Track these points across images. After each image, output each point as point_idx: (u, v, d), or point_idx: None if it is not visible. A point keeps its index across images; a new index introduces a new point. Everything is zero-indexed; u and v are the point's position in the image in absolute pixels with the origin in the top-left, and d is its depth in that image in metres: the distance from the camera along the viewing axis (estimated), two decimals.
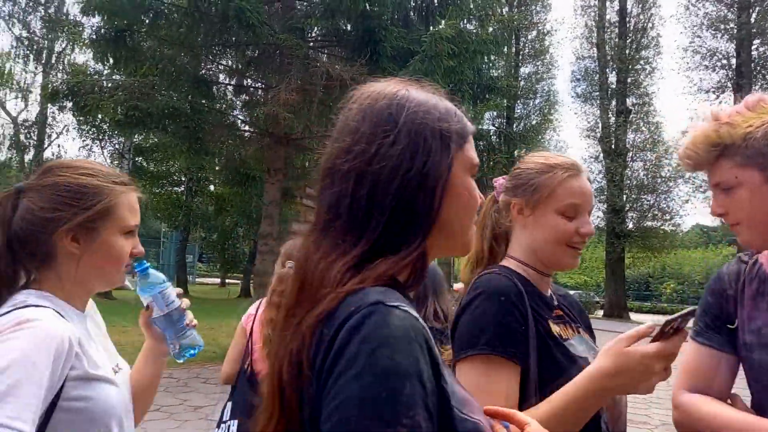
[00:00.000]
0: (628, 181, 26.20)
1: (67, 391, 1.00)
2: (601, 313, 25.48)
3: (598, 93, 27.60)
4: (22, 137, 27.21)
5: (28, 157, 27.00)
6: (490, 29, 10.66)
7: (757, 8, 22.65)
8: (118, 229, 1.16)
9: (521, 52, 28.42)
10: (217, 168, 16.69)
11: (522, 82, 27.30)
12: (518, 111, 27.89)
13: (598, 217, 25.92)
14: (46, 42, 25.99)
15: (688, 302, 30.97)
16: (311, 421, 0.64)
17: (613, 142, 26.31)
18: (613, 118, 26.86)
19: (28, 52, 26.50)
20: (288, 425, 0.68)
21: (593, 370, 1.05)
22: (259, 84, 11.14)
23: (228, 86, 11.77)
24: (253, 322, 2.53)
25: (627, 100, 26.80)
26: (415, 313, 0.65)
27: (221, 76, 11.57)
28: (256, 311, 2.56)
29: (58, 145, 29.65)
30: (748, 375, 1.28)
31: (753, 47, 22.83)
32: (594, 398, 1.05)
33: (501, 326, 1.16)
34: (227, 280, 33.49)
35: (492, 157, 15.76)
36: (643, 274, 36.99)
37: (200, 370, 8.24)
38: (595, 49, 27.79)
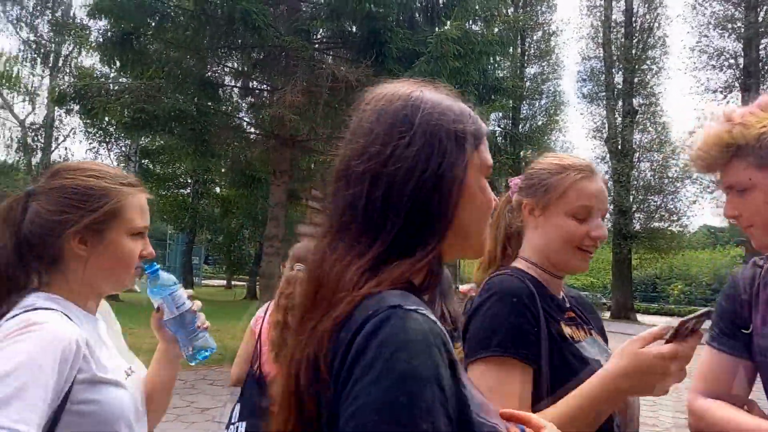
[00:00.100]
0: (635, 182, 26.07)
1: (75, 394, 0.99)
2: (608, 314, 25.32)
3: (604, 93, 27.48)
4: (29, 140, 27.35)
5: (35, 159, 27.14)
6: (496, 30, 10.65)
7: (765, 7, 22.49)
8: (126, 231, 1.16)
9: (527, 53, 28.38)
10: (223, 170, 16.77)
11: (528, 83, 27.26)
12: (524, 112, 27.85)
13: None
14: (53, 45, 26.16)
15: (695, 303, 30.77)
16: (329, 425, 0.63)
17: (620, 142, 26.19)
18: (620, 119, 26.74)
19: (35, 55, 26.67)
20: (304, 429, 0.68)
21: (607, 372, 1.04)
22: (265, 86, 11.16)
23: (234, 88, 11.81)
24: (262, 325, 2.53)
25: (633, 100, 26.68)
26: (433, 317, 0.64)
27: (227, 79, 11.60)
28: (265, 313, 2.56)
29: (65, 148, 29.85)
30: (763, 379, 1.27)
31: (761, 46, 22.66)
32: (608, 400, 1.04)
33: (513, 328, 1.15)
34: (233, 282, 33.57)
35: (497, 158, 15.72)
36: (650, 275, 36.78)
37: (207, 371, 8.25)
38: (601, 49, 27.68)
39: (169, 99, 9.37)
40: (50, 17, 25.71)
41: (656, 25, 26.93)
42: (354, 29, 10.14)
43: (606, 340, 1.38)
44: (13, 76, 26.57)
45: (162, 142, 16.96)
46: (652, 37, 26.91)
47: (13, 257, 1.10)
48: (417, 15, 10.53)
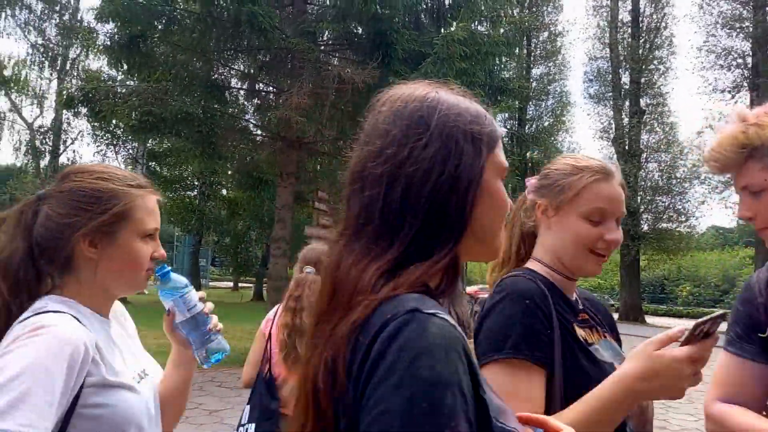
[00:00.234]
0: (643, 183, 25.91)
1: (85, 397, 0.99)
2: (616, 316, 25.18)
3: (611, 94, 27.34)
4: (37, 143, 27.58)
5: (44, 162, 27.36)
6: (502, 31, 10.65)
7: None
8: (136, 233, 1.15)
9: (533, 54, 28.32)
10: (229, 172, 16.82)
11: (534, 84, 27.21)
12: (530, 112, 27.78)
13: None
14: (61, 49, 26.36)
15: (704, 305, 30.56)
16: (348, 430, 0.63)
17: (627, 143, 26.05)
18: (627, 119, 26.60)
19: (43, 59, 26.89)
20: None
21: (622, 374, 1.03)
22: (271, 88, 11.19)
23: (240, 91, 11.85)
24: (272, 327, 2.53)
25: (641, 100, 26.52)
26: (452, 321, 0.64)
27: (233, 81, 11.65)
28: (275, 316, 2.56)
29: (73, 151, 29.89)
30: None
31: None
32: (623, 403, 1.03)
33: (526, 330, 1.14)
34: (240, 284, 33.65)
35: None
36: (659, 276, 36.52)
37: (215, 373, 8.27)
38: (607, 49, 27.55)
39: (176, 101, 9.42)
40: (58, 21, 25.94)
41: (663, 25, 26.78)
42: (360, 31, 10.16)
43: (620, 343, 1.36)
44: (22, 79, 26.83)
45: (169, 144, 17.04)
46: (659, 37, 26.76)
47: (26, 261, 1.10)
48: (423, 16, 10.55)
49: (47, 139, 27.71)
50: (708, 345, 0.99)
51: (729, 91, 23.23)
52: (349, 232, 0.74)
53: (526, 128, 26.36)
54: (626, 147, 25.96)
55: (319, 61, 9.20)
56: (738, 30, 23.16)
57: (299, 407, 0.70)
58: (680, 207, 25.68)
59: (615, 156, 26.63)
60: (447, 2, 10.51)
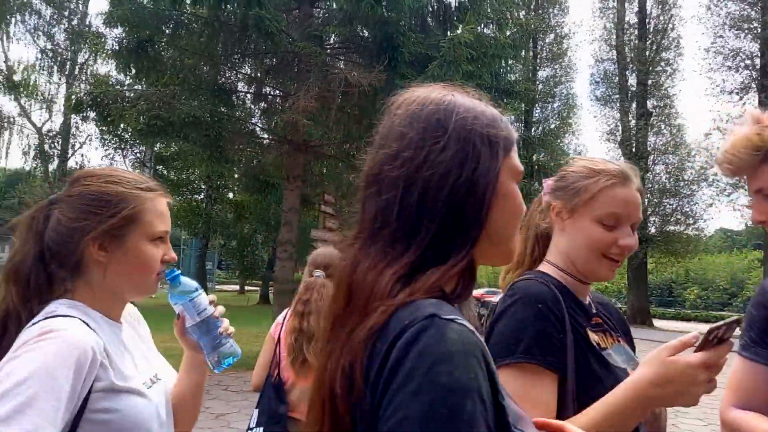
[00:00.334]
0: (650, 185, 25.78)
1: (93, 402, 0.99)
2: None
3: (618, 96, 27.26)
4: (46, 147, 27.81)
5: (53, 166, 27.59)
6: (508, 33, 10.64)
7: None
8: (146, 236, 1.14)
9: (539, 56, 28.30)
10: (236, 175, 16.87)
11: (540, 86, 27.16)
12: (536, 115, 27.75)
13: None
14: (69, 53, 26.61)
15: (712, 308, 30.37)
16: None
17: (634, 145, 25.96)
18: (634, 121, 26.51)
19: (52, 63, 27.15)
20: None
21: (635, 380, 1.01)
22: (278, 92, 11.24)
23: (247, 94, 11.91)
24: (281, 331, 2.53)
25: (648, 102, 26.43)
26: (470, 327, 0.63)
27: (240, 85, 11.71)
28: (284, 320, 2.56)
29: (82, 155, 30.16)
30: None
31: None
32: (636, 409, 1.02)
33: (539, 334, 1.12)
34: (246, 287, 33.73)
35: None
36: (666, 279, 36.33)
37: (222, 377, 8.26)
38: (614, 51, 27.48)
39: (183, 105, 9.46)
40: (67, 26, 26.20)
41: (670, 26, 26.69)
42: (366, 34, 10.19)
43: (634, 348, 1.35)
44: (31, 84, 27.07)
45: (176, 148, 17.15)
46: (666, 39, 26.67)
47: (37, 265, 1.10)
48: (429, 19, 10.56)
49: (56, 143, 27.95)
50: (723, 351, 0.98)
51: (737, 93, 23.10)
52: (364, 235, 0.73)
53: (533, 131, 26.31)
54: (633, 149, 25.86)
55: (326, 64, 9.23)
56: (746, 31, 23.02)
57: (314, 412, 0.70)
58: (688, 209, 25.56)
59: (622, 158, 26.55)
60: (453, 5, 10.52)
